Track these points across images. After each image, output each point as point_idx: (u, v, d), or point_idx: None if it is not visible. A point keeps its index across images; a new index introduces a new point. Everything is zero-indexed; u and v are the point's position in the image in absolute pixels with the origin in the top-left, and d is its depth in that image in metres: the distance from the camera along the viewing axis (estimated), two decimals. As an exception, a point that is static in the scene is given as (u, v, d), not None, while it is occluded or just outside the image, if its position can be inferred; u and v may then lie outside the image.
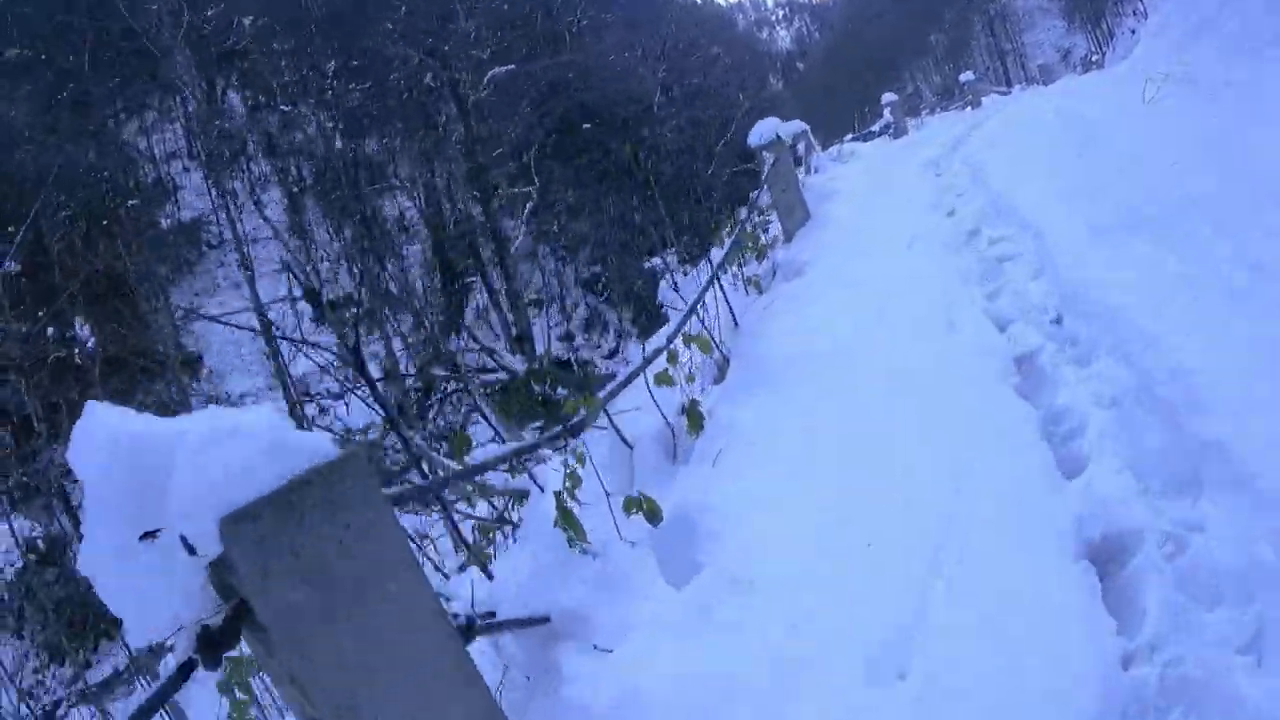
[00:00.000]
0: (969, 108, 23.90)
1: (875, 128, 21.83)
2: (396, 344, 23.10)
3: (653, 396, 3.89)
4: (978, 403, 3.70)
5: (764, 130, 9.03)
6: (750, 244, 7.08)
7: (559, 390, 17.47)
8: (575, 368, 22.88)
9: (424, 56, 19.41)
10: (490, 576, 3.37)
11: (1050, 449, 3.26)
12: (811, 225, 8.49)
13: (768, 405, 4.10)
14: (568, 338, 23.36)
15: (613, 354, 23.05)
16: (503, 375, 21.01)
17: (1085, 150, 7.18)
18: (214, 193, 25.51)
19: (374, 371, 23.22)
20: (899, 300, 5.32)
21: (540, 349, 23.32)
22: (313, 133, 25.96)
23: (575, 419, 3.12)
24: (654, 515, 2.90)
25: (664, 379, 3.98)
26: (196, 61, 27.34)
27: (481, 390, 20.32)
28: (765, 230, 8.43)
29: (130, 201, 23.21)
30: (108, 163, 24.61)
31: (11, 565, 20.43)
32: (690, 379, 4.23)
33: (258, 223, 25.49)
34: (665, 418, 3.93)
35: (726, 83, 24.93)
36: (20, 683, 18.94)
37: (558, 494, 2.72)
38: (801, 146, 13.75)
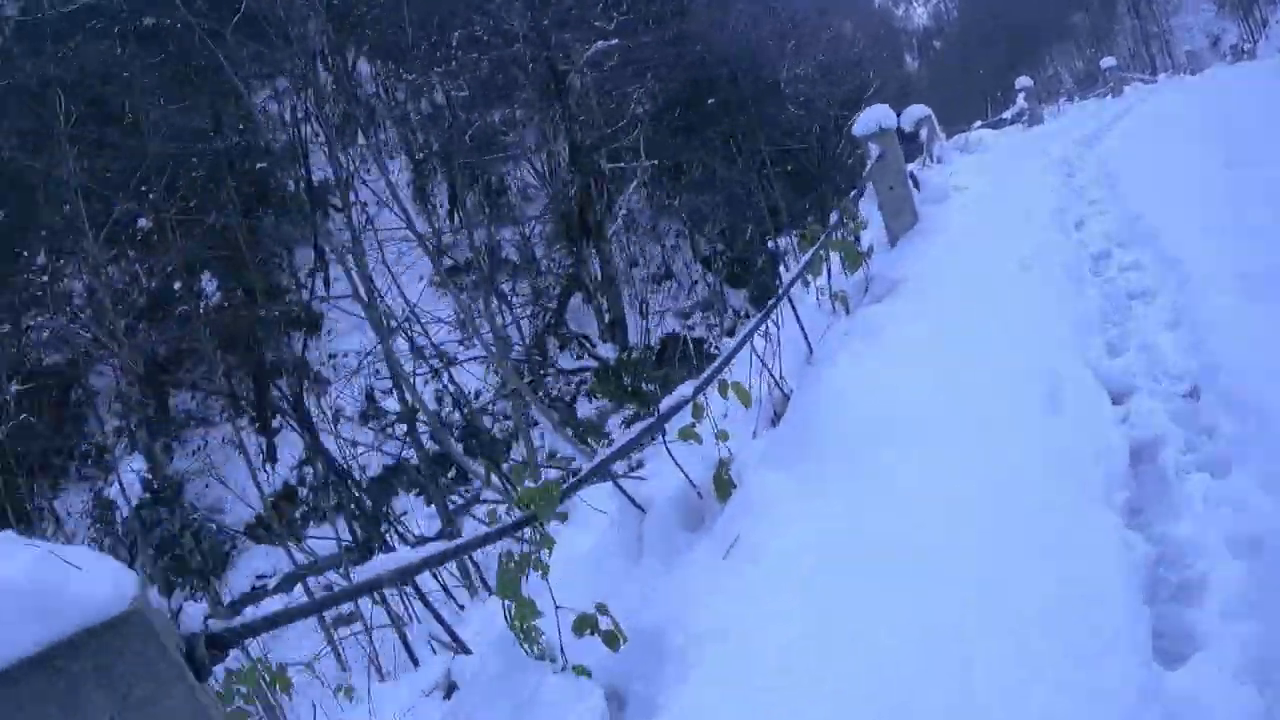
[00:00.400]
0: (1110, 96, 22.67)
1: (1007, 114, 20.42)
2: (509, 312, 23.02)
3: (671, 455, 3.37)
4: (1066, 528, 2.78)
5: (870, 119, 7.95)
6: (843, 252, 6.30)
7: (645, 383, 16.99)
8: (689, 346, 22.44)
9: (524, 32, 18.93)
10: (466, 650, 2.97)
11: (1152, 613, 2.41)
12: (918, 230, 7.58)
13: (808, 474, 3.39)
14: (684, 315, 22.90)
15: (730, 332, 22.53)
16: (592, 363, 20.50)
17: (1240, 164, 6.32)
18: (340, 159, 25.78)
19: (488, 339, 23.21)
20: (998, 346, 4.45)
21: (653, 327, 22.93)
22: (439, 101, 26.05)
23: (525, 513, 2.58)
24: (613, 641, 2.39)
25: (689, 434, 3.38)
26: (328, 29, 27.67)
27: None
28: (859, 236, 7.60)
29: (259, 164, 23.63)
30: (238, 129, 25.11)
31: (129, 502, 21.45)
32: (723, 437, 3.53)
33: (380, 188, 25.71)
34: (688, 477, 3.41)
35: (857, 60, 24.00)
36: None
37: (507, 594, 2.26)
38: (924, 133, 12.72)
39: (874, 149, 7.78)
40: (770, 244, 23.81)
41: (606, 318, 22.10)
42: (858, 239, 6.70)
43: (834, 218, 6.42)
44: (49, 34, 24.92)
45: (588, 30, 20.73)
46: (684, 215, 22.15)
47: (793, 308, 5.09)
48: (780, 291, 4.96)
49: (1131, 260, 5.58)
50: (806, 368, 4.87)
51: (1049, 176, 9.81)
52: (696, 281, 22.98)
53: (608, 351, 20.74)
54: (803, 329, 5.18)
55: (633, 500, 3.25)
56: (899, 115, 14.64)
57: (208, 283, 23.10)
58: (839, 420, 3.77)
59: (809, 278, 5.85)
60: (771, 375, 4.35)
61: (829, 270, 5.97)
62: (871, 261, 6.69)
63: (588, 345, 21.84)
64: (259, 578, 21.59)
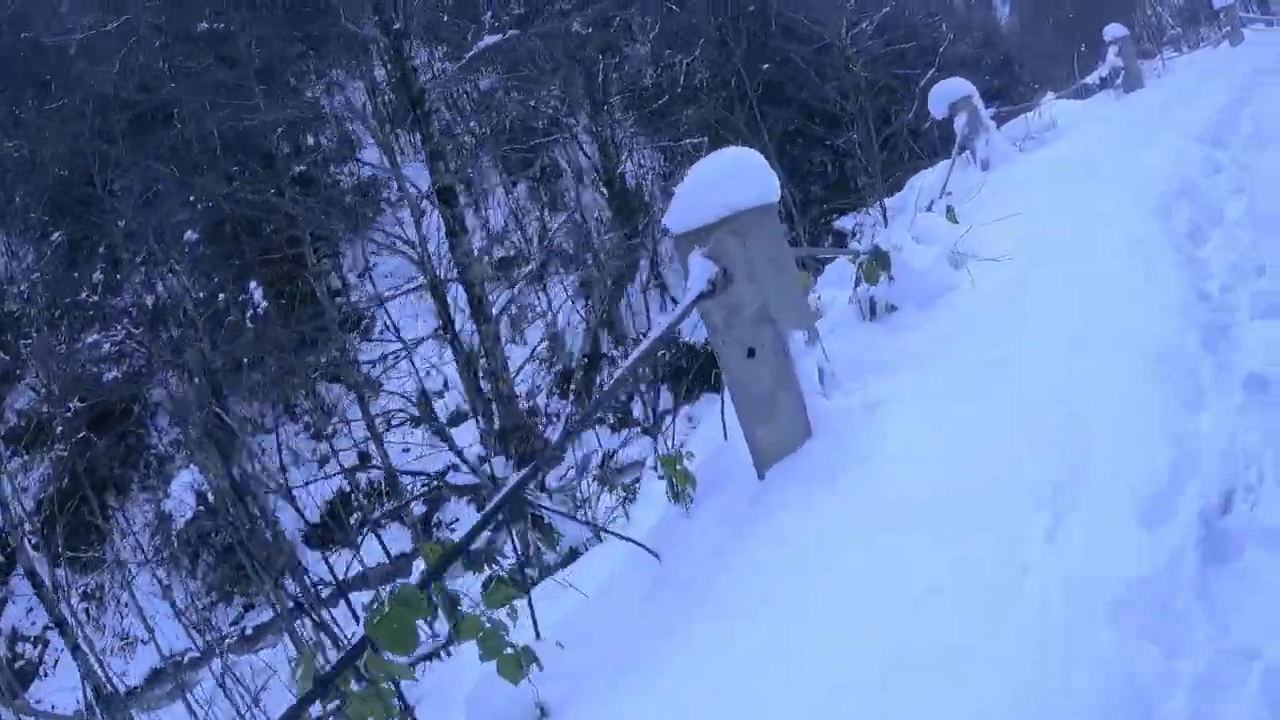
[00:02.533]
0: (1228, 43, 19.09)
1: (1093, 78, 15.72)
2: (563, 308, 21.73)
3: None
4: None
5: (696, 197, 3.44)
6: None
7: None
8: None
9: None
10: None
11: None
12: (807, 458, 3.35)
13: None
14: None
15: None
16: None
17: None
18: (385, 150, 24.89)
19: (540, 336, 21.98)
20: None
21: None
22: (488, 85, 24.93)
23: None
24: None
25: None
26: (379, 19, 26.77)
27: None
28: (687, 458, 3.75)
29: (298, 168, 22.90)
30: (295, 126, 24.55)
31: (183, 515, 21.72)
32: None
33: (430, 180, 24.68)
34: None
35: (932, 12, 21.78)
36: (190, 617, 20.27)
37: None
38: (961, 123, 9.37)
39: (697, 268, 3.35)
40: (839, 222, 21.93)
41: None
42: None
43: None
44: (109, 48, 24.81)
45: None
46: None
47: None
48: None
49: None
50: None
51: (1153, 234, 5.06)
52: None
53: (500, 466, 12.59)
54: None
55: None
56: (931, 97, 10.35)
57: (255, 289, 22.47)
58: None
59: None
60: None
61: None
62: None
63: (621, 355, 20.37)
64: (314, 584, 21.23)
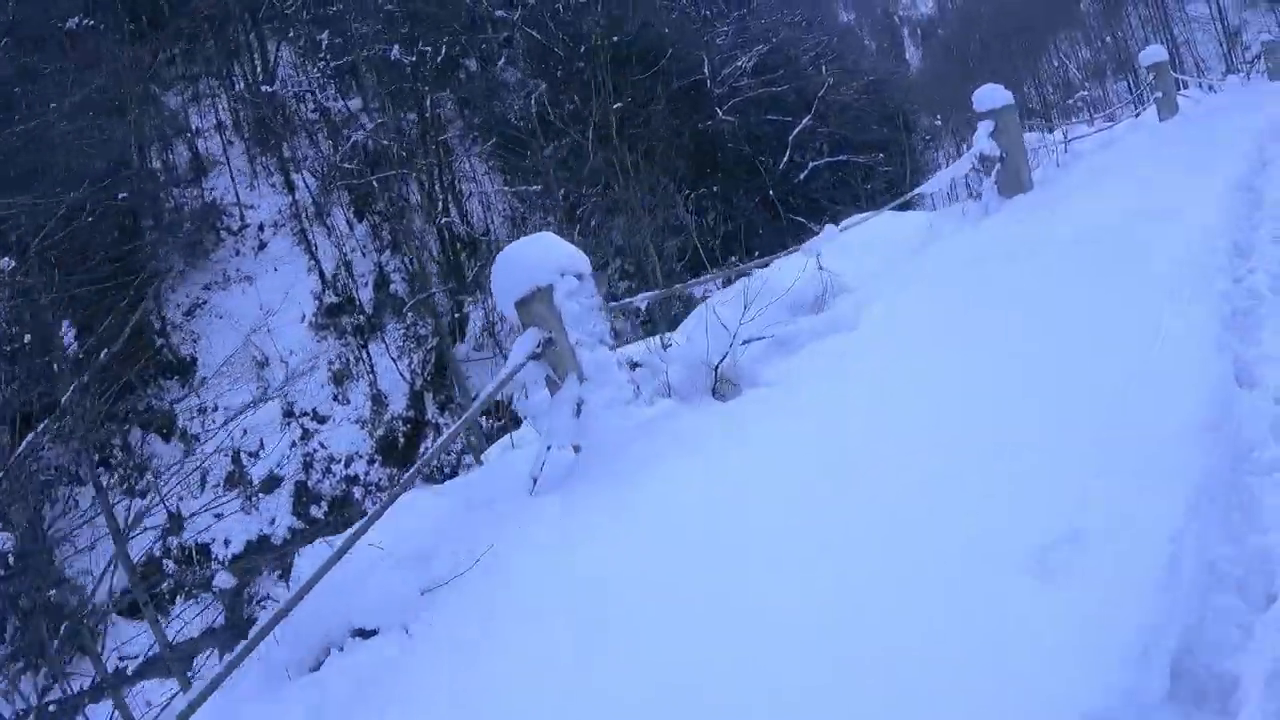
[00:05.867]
0: (1157, 112, 13.82)
1: (942, 181, 10.35)
2: (387, 363, 19.41)
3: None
4: None
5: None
6: None
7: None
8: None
9: None
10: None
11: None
12: None
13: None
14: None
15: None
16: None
17: None
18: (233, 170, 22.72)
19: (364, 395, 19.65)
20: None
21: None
22: (354, 108, 22.71)
23: None
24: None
25: None
26: (250, 24, 24.63)
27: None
28: None
29: (121, 195, 20.59)
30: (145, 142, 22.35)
31: None
32: None
33: (281, 205, 22.35)
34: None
35: (819, 52, 19.26)
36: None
37: None
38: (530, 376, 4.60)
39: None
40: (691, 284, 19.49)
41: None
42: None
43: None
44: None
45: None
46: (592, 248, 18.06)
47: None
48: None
49: None
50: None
51: None
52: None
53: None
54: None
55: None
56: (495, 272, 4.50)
57: (67, 330, 20.28)
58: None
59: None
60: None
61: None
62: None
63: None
64: (121, 659, 18.99)
